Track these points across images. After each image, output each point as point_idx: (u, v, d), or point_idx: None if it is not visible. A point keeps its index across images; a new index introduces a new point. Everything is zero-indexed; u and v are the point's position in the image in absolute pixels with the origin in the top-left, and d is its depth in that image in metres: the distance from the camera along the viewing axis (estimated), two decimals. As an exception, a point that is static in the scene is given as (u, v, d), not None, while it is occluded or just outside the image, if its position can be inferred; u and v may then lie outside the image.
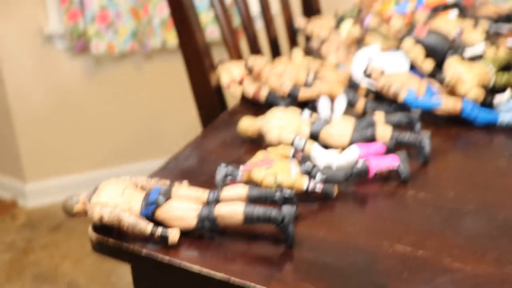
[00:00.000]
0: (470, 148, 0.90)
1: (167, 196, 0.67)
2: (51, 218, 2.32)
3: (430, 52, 1.03)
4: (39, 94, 2.27)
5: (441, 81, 0.93)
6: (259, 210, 0.65)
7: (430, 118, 0.95)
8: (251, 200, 0.69)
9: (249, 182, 0.75)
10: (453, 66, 0.96)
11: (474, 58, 1.01)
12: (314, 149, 0.83)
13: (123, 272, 2.00)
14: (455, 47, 1.03)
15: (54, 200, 2.40)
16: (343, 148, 0.84)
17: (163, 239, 0.65)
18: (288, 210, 0.64)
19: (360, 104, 0.96)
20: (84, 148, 2.41)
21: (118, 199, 0.67)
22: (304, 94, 0.95)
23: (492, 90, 0.98)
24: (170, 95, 2.43)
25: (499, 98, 0.96)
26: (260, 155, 0.78)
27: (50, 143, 2.35)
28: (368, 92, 1.00)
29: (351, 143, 0.84)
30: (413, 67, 1.05)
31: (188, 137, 2.58)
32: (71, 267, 2.06)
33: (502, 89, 0.98)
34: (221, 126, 0.94)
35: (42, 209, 2.37)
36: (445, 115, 0.96)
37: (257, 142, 0.89)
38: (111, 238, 0.66)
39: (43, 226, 2.27)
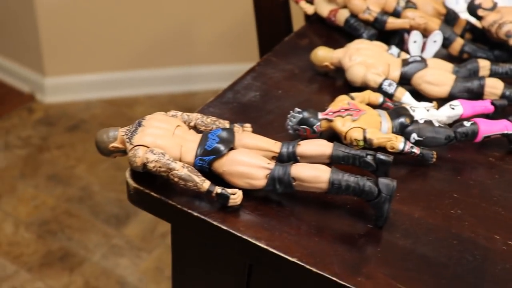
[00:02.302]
0: None
1: (230, 144, 0.52)
2: (69, 117, 2.21)
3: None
4: (66, -19, 2.08)
5: None
6: (349, 179, 0.50)
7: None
8: (335, 160, 0.54)
9: (328, 133, 0.60)
10: None
11: None
12: (405, 98, 0.67)
13: (139, 183, 1.92)
14: None
15: (73, 98, 2.27)
16: (439, 100, 0.68)
17: (222, 199, 0.51)
18: (386, 184, 0.50)
19: (456, 45, 0.78)
20: (110, 46, 2.25)
21: (166, 142, 0.52)
22: (393, 24, 0.77)
23: None
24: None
25: None
26: (343, 100, 0.62)
27: (74, 37, 2.19)
28: (464, 31, 0.82)
29: (451, 95, 0.68)
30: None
31: (222, 46, 2.40)
32: (86, 170, 1.97)
33: None
34: (287, 52, 0.78)
35: (60, 106, 2.25)
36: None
37: (333, 79, 0.73)
38: (154, 191, 0.52)
39: (60, 125, 2.16)
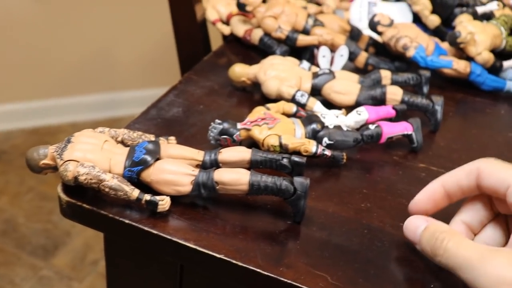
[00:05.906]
0: (478, 116, 0.82)
1: (156, 155, 0.56)
2: (-12, 148, 2.15)
3: (438, 6, 0.94)
4: (-21, 11, 2.04)
5: (454, 39, 0.84)
6: (267, 180, 0.55)
7: (433, 79, 0.86)
8: (254, 164, 0.59)
9: (248, 141, 0.65)
10: (464, 25, 0.87)
11: (482, 18, 0.93)
12: (316, 107, 0.73)
13: (66, 212, 1.89)
14: (464, 3, 0.94)
15: (-9, 129, 2.22)
16: (347, 108, 0.74)
17: (151, 206, 0.54)
18: (301, 182, 0.55)
19: (361, 58, 0.86)
20: (28, 73, 2.21)
21: (96, 156, 0.55)
22: (303, 41, 0.84)
23: (499, 55, 0.90)
24: (124, 20, 2.24)
25: (507, 64, 0.88)
26: (259, 111, 0.67)
27: (-11, 67, 2.14)
28: (368, 45, 0.90)
29: (357, 102, 0.75)
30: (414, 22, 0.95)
31: (143, 71, 2.41)
32: (9, 202, 1.92)
33: (509, 55, 0.90)
34: (207, 70, 0.82)
35: (-22, 138, 2.19)
36: (449, 77, 0.87)
37: (250, 93, 0.78)
38: (86, 203, 0.55)
39: (-22, 157, 2.10)
